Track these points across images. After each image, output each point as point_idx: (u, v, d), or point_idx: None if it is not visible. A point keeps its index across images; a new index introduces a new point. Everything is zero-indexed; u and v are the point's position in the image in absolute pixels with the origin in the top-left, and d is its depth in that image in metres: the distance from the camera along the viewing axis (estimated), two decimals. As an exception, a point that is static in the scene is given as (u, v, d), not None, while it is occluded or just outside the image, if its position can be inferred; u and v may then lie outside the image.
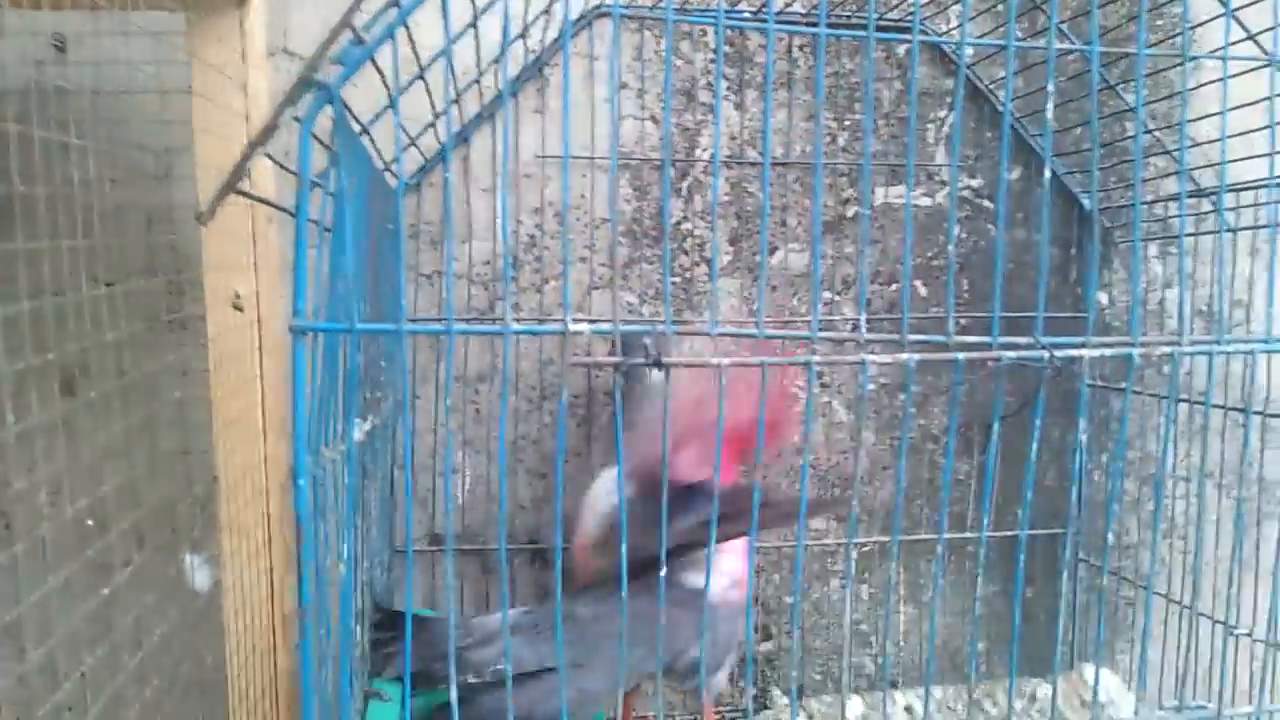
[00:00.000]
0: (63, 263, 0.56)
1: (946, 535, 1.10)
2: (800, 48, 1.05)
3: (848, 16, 1.02)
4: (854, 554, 1.11)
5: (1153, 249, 1.14)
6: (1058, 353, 0.53)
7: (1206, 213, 1.05)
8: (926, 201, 1.10)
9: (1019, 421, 1.09)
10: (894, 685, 1.11)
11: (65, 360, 0.56)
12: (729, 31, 1.02)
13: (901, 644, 1.13)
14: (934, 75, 1.08)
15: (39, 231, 0.54)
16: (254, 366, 0.80)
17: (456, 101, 0.92)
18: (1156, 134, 1.05)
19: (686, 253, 1.05)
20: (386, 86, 0.60)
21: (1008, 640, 1.11)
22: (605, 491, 0.83)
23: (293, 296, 0.44)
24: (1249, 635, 0.81)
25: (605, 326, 0.50)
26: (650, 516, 0.56)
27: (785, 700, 1.06)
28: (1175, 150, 1.04)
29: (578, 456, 1.02)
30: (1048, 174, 0.59)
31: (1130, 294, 1.09)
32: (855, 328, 0.63)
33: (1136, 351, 0.55)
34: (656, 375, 0.49)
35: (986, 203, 1.10)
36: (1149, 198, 1.10)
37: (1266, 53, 0.68)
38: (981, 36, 1.05)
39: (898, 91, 1.07)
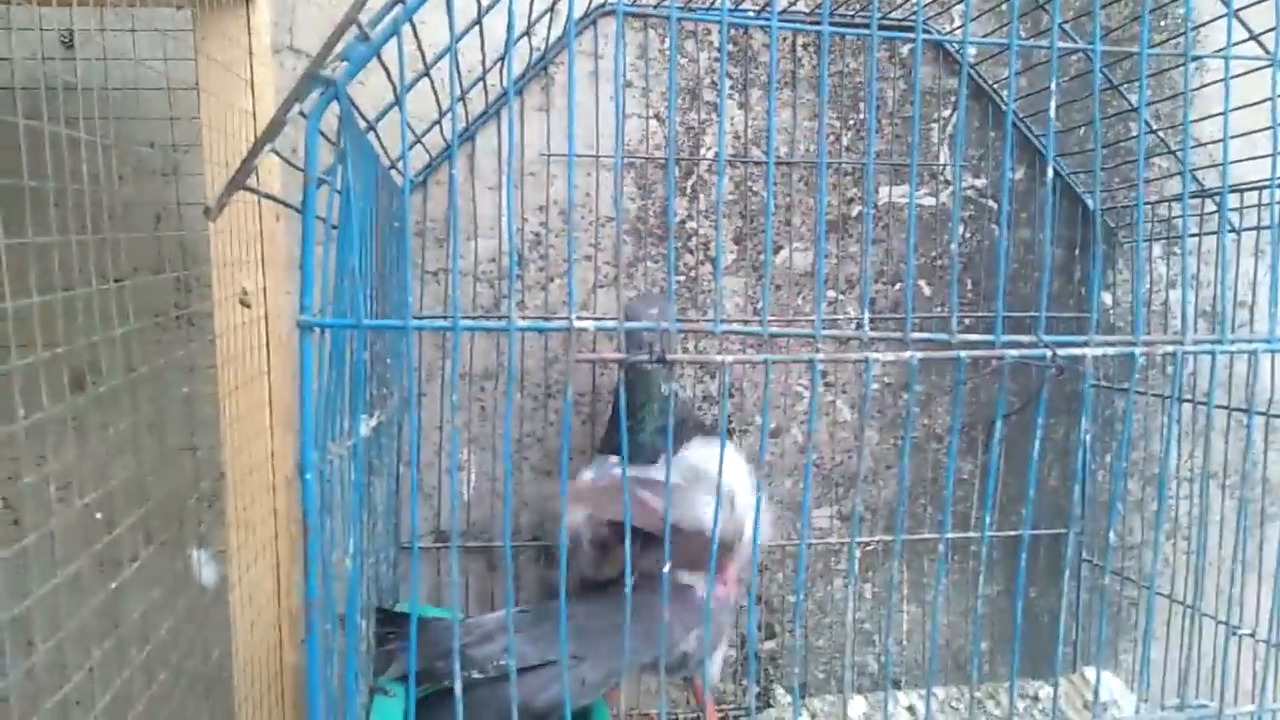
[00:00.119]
0: (72, 258, 0.56)
1: (950, 535, 1.10)
2: (804, 46, 1.05)
3: (851, 15, 1.03)
4: (857, 553, 1.11)
5: (1157, 250, 1.14)
6: (1060, 351, 0.54)
7: (1210, 213, 1.05)
8: (930, 201, 1.10)
9: (1022, 421, 1.09)
10: (896, 685, 1.12)
11: (74, 355, 0.56)
12: (733, 30, 1.02)
13: (904, 643, 1.13)
14: (937, 75, 1.08)
15: (48, 227, 0.54)
16: (261, 362, 0.81)
17: (462, 99, 0.92)
18: (1160, 134, 1.05)
19: (691, 251, 1.05)
20: (392, 83, 0.61)
21: (1010, 640, 1.11)
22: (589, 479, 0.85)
23: (300, 293, 0.45)
24: (1251, 635, 0.81)
25: (610, 323, 0.50)
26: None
27: (788, 699, 1.07)
28: (1178, 150, 1.04)
29: (582, 454, 1.03)
30: (1051, 174, 0.59)
31: (1134, 294, 1.09)
32: (859, 326, 0.64)
33: (1139, 351, 0.55)
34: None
35: (990, 202, 1.10)
36: (1152, 198, 1.10)
37: (1269, 53, 0.68)
38: (985, 36, 1.06)
39: (901, 91, 1.07)
